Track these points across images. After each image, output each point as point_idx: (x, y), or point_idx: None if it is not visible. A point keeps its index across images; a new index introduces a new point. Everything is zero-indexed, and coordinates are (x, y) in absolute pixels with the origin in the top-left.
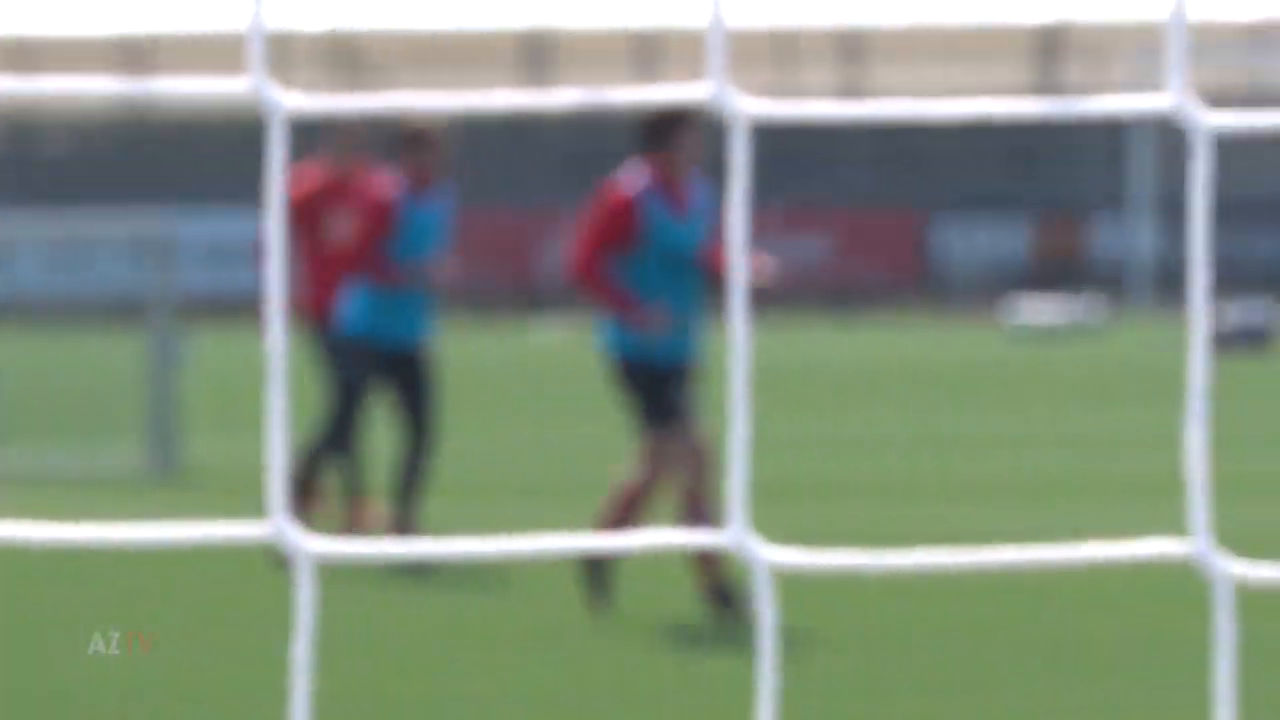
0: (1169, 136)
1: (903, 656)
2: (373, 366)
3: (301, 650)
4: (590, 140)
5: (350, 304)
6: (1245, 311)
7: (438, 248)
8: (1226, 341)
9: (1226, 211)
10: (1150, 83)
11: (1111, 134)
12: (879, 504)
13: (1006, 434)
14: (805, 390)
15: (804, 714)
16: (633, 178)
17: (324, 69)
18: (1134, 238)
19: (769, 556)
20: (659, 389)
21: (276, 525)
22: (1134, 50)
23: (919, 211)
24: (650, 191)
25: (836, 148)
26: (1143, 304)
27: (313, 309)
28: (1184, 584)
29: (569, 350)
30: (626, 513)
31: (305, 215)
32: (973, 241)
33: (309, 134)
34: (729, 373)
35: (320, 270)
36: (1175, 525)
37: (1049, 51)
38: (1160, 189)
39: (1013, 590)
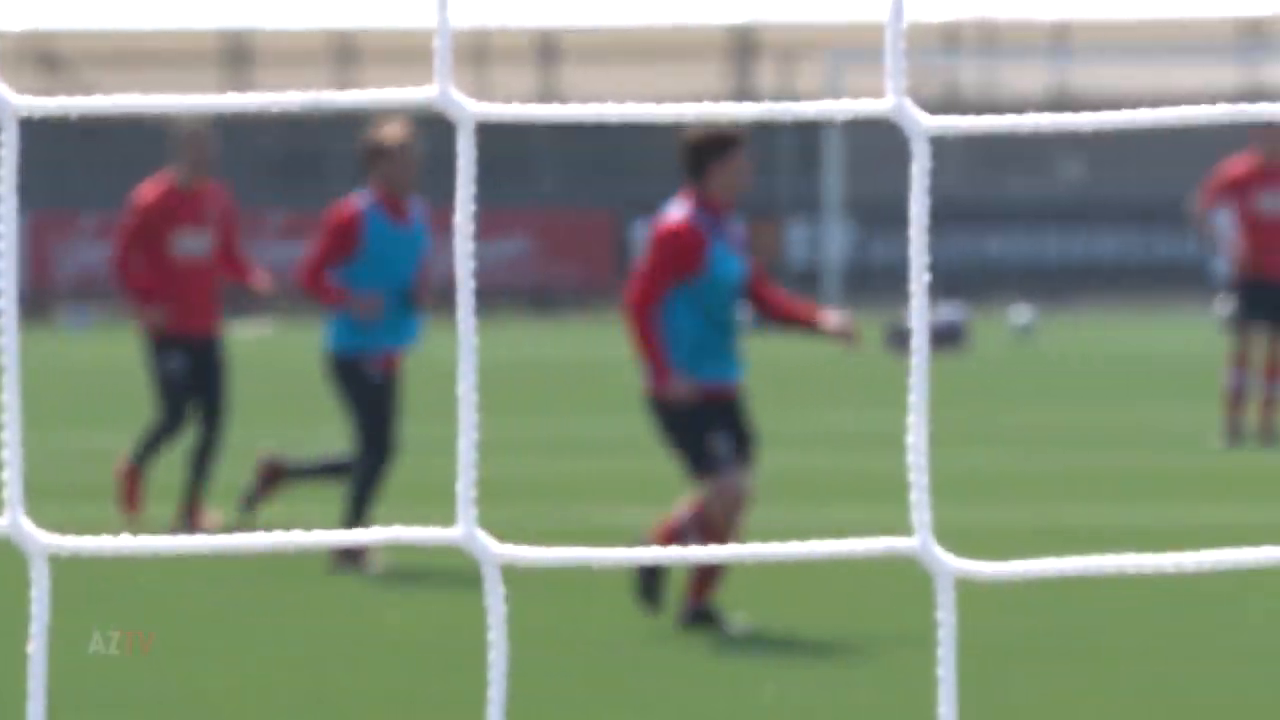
0: (859, 138)
1: (611, 652)
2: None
3: (37, 647)
4: (299, 142)
5: (333, 324)
6: (942, 311)
7: (416, 268)
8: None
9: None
10: (842, 86)
11: (806, 137)
12: (593, 502)
13: None
14: (510, 390)
15: None
16: (678, 208)
17: (15, 69)
18: (827, 240)
19: (499, 552)
20: (697, 422)
21: (12, 520)
22: (827, 52)
23: (615, 212)
24: (704, 222)
25: (531, 149)
26: (835, 305)
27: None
28: (903, 580)
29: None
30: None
31: (146, 228)
32: None
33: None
34: (457, 374)
35: (163, 284)
36: (895, 524)
37: (744, 53)
38: (851, 192)
39: (742, 588)
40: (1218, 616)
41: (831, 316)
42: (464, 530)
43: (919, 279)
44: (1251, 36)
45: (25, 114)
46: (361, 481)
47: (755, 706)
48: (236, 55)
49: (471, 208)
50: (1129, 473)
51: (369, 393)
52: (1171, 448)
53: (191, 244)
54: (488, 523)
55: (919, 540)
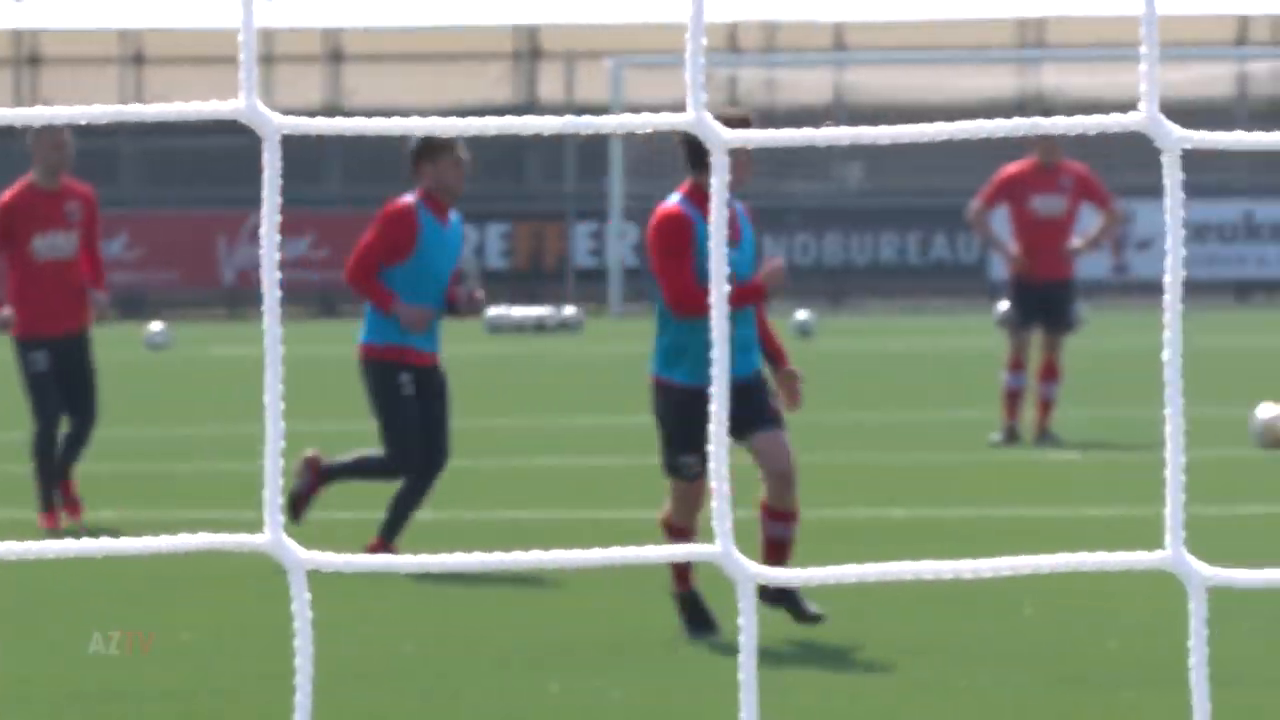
0: (637, 148)
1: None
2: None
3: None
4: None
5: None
6: None
7: (451, 270)
8: None
9: None
10: (623, 90)
11: (591, 141)
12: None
13: (502, 428)
14: (302, 390)
15: None
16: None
17: None
18: (610, 244)
19: (304, 558)
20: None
21: (275, 537)
22: (610, 59)
23: None
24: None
25: (319, 151)
26: (617, 307)
27: (18, 323)
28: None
29: None
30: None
31: (6, 230)
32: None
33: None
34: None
35: (25, 285)
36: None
37: (530, 57)
38: (632, 198)
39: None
40: (994, 617)
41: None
42: (271, 536)
43: (719, 287)
44: (1031, 41)
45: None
46: (402, 491)
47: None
48: (30, 58)
49: (278, 217)
50: (907, 471)
51: (398, 400)
52: (949, 447)
53: (53, 245)
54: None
55: (720, 546)
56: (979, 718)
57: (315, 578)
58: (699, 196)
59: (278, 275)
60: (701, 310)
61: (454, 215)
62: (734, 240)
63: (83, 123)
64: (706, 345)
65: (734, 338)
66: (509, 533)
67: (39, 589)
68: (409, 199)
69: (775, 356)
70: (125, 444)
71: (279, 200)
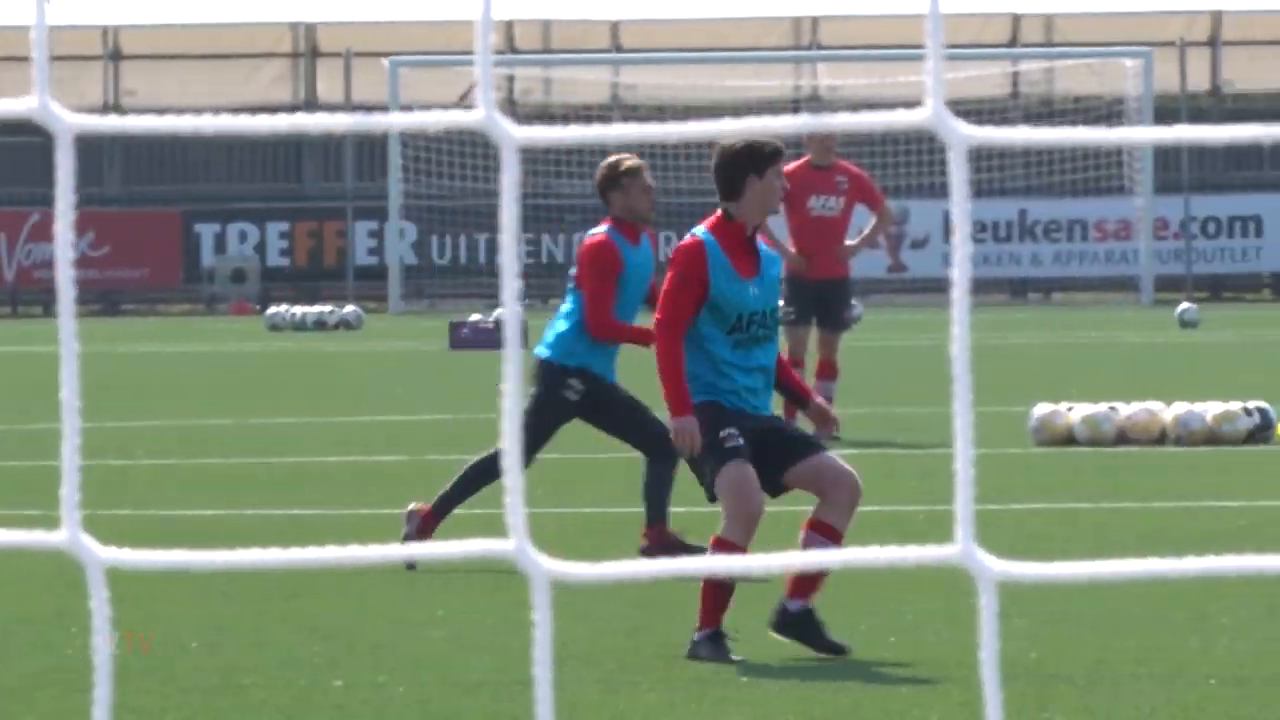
0: (416, 148)
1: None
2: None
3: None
4: None
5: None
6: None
7: (645, 291)
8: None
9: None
10: (399, 89)
11: (370, 142)
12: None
13: (275, 425)
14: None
15: None
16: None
17: None
18: (389, 243)
19: (104, 556)
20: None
21: None
22: (389, 60)
23: (183, 214)
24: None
25: (97, 150)
26: (396, 305)
27: None
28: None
29: None
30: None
31: None
32: (235, 244)
33: None
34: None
35: None
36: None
37: (309, 59)
38: (410, 197)
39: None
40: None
41: (817, 399)
42: (69, 535)
43: (510, 283)
44: (806, 42)
45: None
46: (483, 469)
47: None
48: None
49: (72, 216)
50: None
51: (556, 408)
52: None
53: None
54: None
55: (514, 543)
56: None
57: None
58: (723, 230)
59: (72, 273)
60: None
61: (643, 236)
62: (749, 272)
63: None
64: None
65: (753, 375)
66: (291, 529)
67: None
68: (602, 230)
69: (800, 393)
70: None
71: (73, 199)
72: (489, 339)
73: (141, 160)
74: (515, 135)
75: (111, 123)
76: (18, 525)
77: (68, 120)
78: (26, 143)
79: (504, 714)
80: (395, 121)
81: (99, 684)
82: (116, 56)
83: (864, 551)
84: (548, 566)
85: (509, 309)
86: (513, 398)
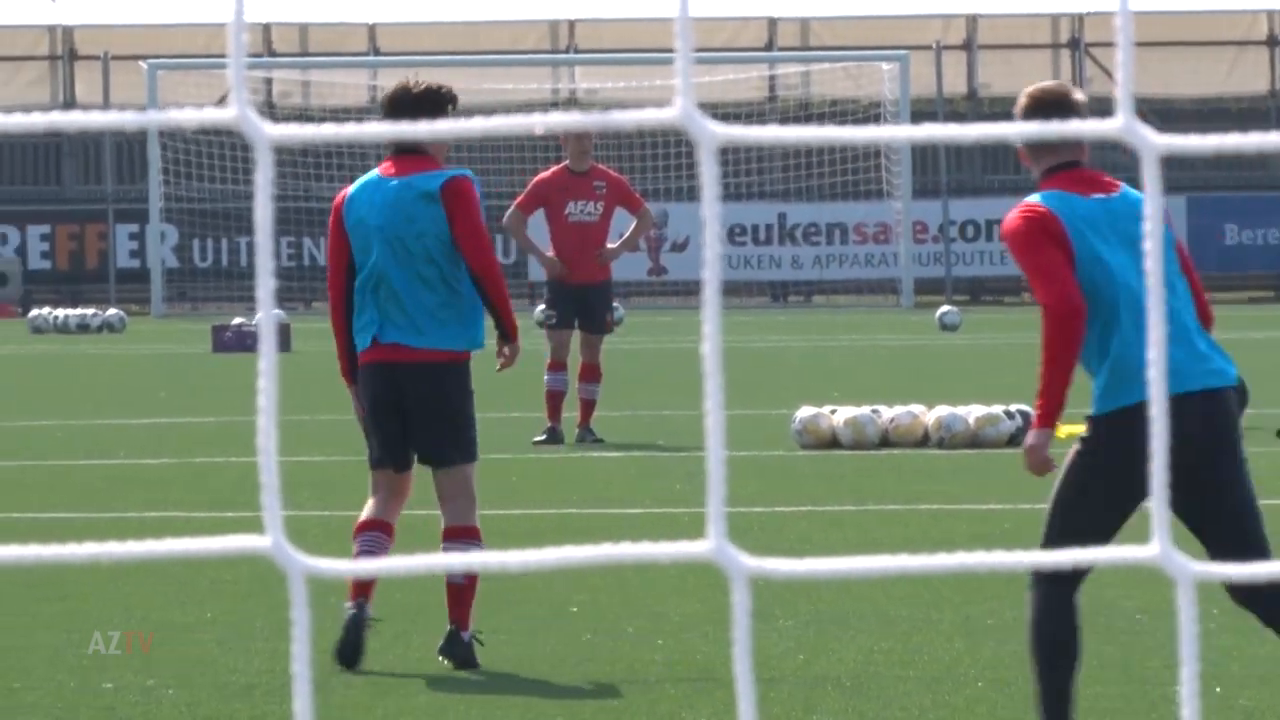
0: (176, 149)
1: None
2: None
3: None
4: None
5: None
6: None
7: None
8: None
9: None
10: (158, 93)
11: (131, 145)
12: None
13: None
14: None
15: None
16: None
17: None
18: (150, 246)
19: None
20: None
21: None
22: (146, 63)
23: None
24: None
25: None
26: (159, 309)
27: None
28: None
29: None
30: None
31: None
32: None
33: None
34: None
35: None
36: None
37: (68, 62)
38: (171, 199)
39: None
40: (545, 616)
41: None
42: (273, 540)
43: (265, 282)
44: (563, 45)
45: None
46: None
47: None
48: None
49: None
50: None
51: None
52: (497, 448)
53: None
54: None
55: (271, 539)
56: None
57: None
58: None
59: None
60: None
61: None
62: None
63: None
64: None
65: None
66: (54, 531)
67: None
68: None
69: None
70: None
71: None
72: (252, 342)
73: None
74: (269, 133)
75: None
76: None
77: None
78: None
79: (273, 715)
80: (152, 120)
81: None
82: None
83: (618, 548)
84: (304, 562)
85: (264, 310)
86: (269, 398)
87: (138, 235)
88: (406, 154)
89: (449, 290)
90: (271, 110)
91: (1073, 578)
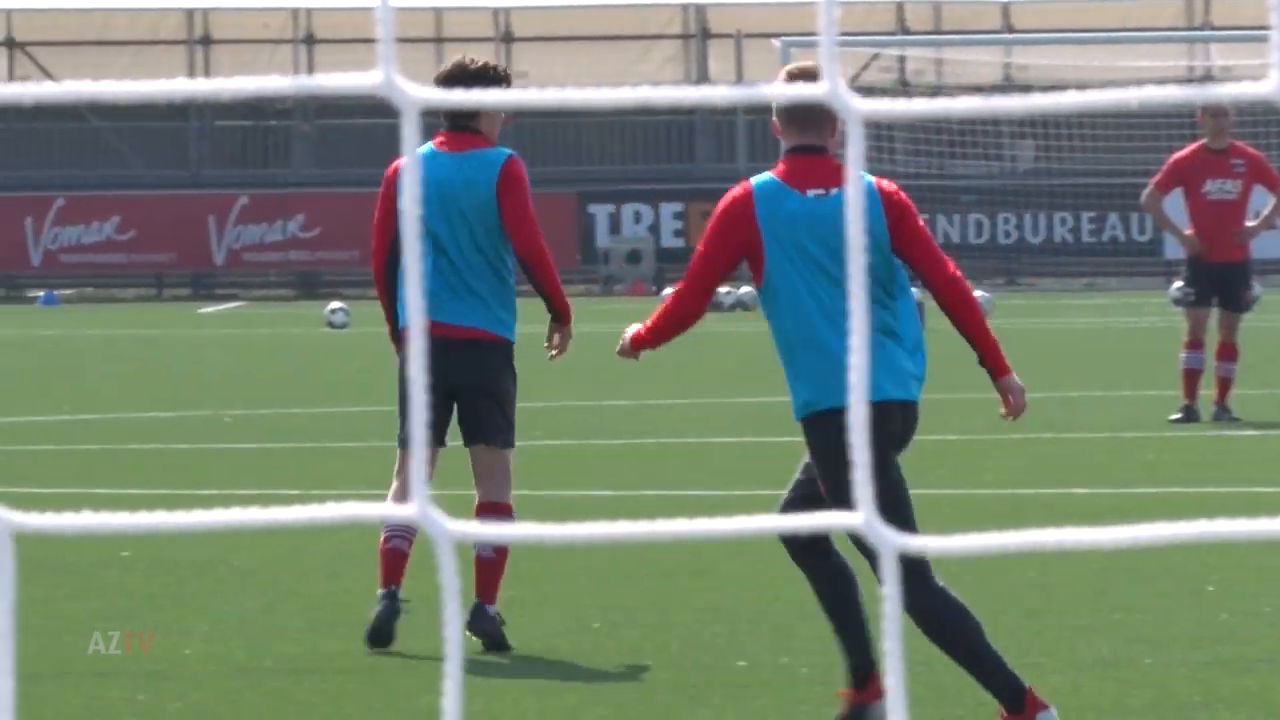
0: None
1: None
2: None
3: (2, 621)
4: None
5: None
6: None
7: None
8: None
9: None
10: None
11: (761, 125)
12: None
13: None
14: None
15: None
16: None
17: None
18: None
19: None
20: None
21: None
22: (779, 40)
23: (577, 195)
24: None
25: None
26: None
27: None
28: None
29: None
30: None
31: None
32: (629, 225)
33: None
34: None
35: None
36: None
37: (700, 41)
38: None
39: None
40: (1179, 593)
41: None
42: (419, 509)
43: (856, 258)
44: (1199, 21)
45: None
46: None
47: None
48: (202, 37)
49: (418, 190)
50: (1086, 449)
51: None
52: (1129, 426)
53: None
54: None
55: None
56: (1157, 696)
57: None
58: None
59: (419, 250)
60: None
61: None
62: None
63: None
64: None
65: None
66: (690, 509)
67: (199, 563)
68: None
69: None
70: (289, 424)
71: (418, 174)
72: None
73: (536, 141)
74: (415, 97)
75: (456, 96)
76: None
77: (413, 95)
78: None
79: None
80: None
81: (450, 660)
82: (509, 39)
83: (1255, 524)
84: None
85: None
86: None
87: None
88: (461, 130)
89: (495, 273)
90: (905, 88)
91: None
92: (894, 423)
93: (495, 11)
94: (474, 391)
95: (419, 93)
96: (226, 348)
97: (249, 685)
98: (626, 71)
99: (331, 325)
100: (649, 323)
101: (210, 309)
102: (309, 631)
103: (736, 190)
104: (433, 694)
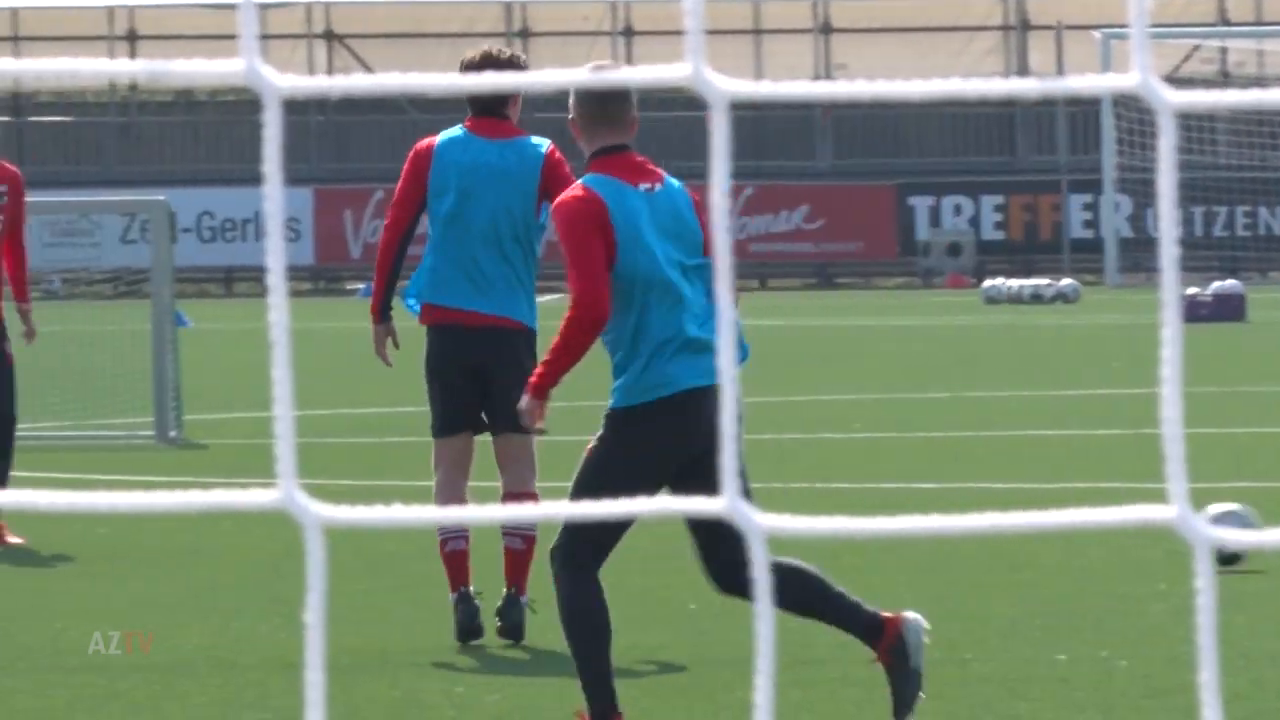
0: (1128, 120)
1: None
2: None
3: (313, 614)
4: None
5: None
6: (1222, 284)
7: None
8: (1202, 312)
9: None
10: (1117, 64)
11: (1082, 116)
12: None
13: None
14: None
15: None
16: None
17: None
18: (1104, 216)
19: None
20: None
21: (286, 492)
22: (1099, 32)
23: (897, 188)
24: None
25: (805, 124)
26: (1112, 279)
27: None
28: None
29: None
30: None
31: None
32: (949, 217)
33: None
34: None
35: None
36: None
37: (1020, 32)
38: (1124, 169)
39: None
40: None
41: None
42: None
43: (1169, 250)
44: None
45: (287, 94)
46: None
47: None
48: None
49: (724, 187)
50: None
51: None
52: None
53: None
54: None
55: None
56: None
57: None
58: None
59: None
60: None
61: None
62: None
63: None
64: None
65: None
66: (1010, 503)
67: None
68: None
69: None
70: None
71: (729, 166)
72: (1206, 312)
73: (855, 134)
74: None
75: (766, 89)
76: None
77: (721, 88)
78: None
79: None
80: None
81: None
82: (827, 30)
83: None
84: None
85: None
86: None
87: (1091, 205)
88: (492, 115)
89: (524, 262)
90: (1226, 79)
91: (596, 561)
92: (700, 410)
93: (814, 3)
94: (505, 379)
95: (730, 85)
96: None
97: (567, 679)
98: (947, 64)
99: None
100: (547, 356)
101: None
102: (627, 625)
103: (578, 192)
104: (747, 689)
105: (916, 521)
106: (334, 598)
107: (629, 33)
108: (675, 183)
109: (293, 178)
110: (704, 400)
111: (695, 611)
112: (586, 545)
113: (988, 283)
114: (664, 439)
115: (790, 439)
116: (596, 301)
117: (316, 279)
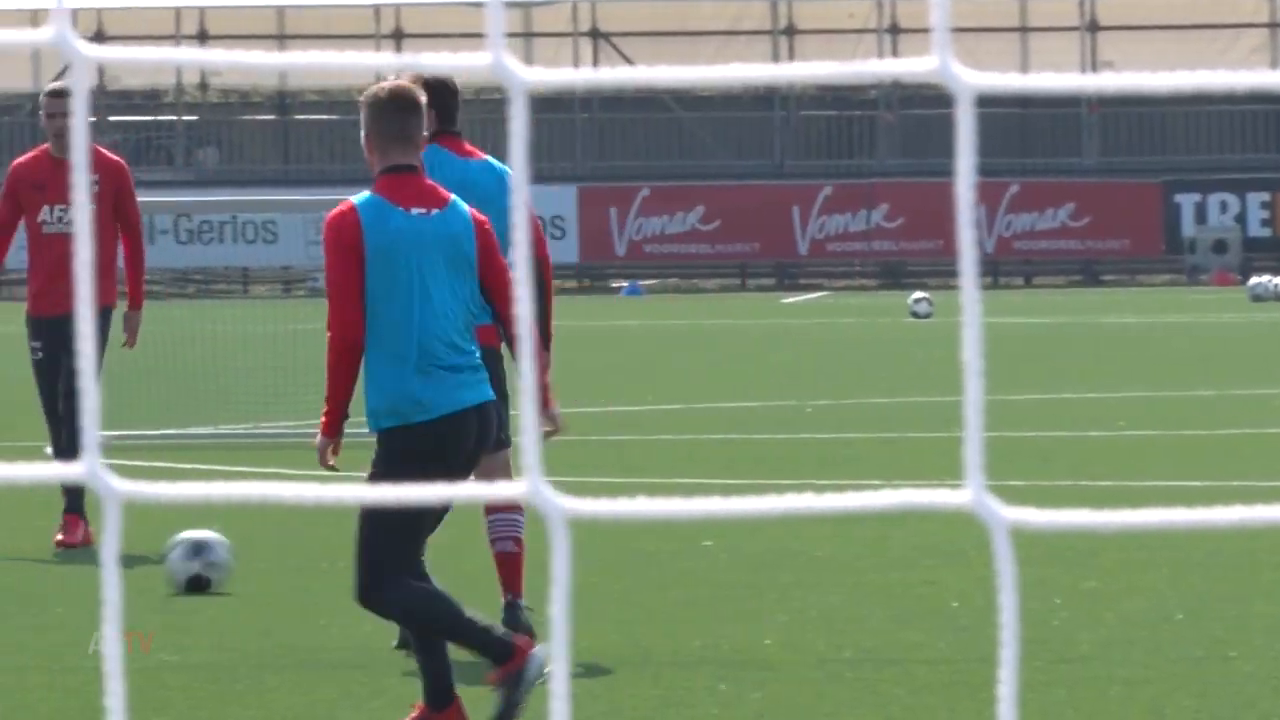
0: None
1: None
2: None
3: (558, 606)
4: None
5: None
6: None
7: None
8: None
9: None
10: None
11: None
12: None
13: None
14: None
15: None
16: None
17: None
18: None
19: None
20: None
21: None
22: None
23: (1163, 185)
24: None
25: (1071, 121)
26: None
27: (32, 297)
28: None
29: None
30: None
31: (15, 201)
32: (1215, 214)
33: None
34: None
35: (34, 260)
36: None
37: None
38: None
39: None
40: None
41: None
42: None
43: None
44: None
45: (532, 87)
46: None
47: None
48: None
49: (975, 179)
50: None
51: None
52: None
53: (57, 218)
54: None
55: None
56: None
57: None
58: None
59: (972, 235)
60: None
61: None
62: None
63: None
64: None
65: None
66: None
67: (780, 554)
68: None
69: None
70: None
71: (974, 160)
72: None
73: (1121, 130)
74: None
75: (1014, 81)
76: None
77: (967, 81)
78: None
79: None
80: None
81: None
82: (1094, 28)
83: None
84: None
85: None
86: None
87: None
88: (457, 135)
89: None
90: None
91: (410, 569)
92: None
93: (1081, 0)
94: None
95: (975, 79)
96: (809, 338)
97: (829, 676)
98: (1212, 62)
99: (915, 315)
100: (326, 395)
101: (793, 299)
102: (890, 623)
103: (342, 208)
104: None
105: (1159, 515)
106: (591, 594)
107: (894, 30)
108: (461, 207)
109: (557, 175)
110: (463, 423)
111: (956, 609)
112: (392, 565)
113: (1253, 280)
114: (425, 463)
115: (1054, 436)
116: (346, 324)
117: (581, 277)
